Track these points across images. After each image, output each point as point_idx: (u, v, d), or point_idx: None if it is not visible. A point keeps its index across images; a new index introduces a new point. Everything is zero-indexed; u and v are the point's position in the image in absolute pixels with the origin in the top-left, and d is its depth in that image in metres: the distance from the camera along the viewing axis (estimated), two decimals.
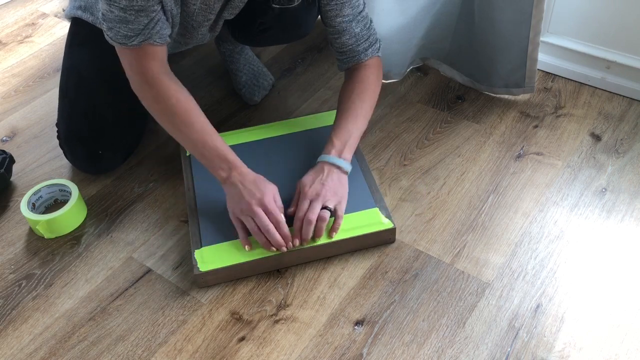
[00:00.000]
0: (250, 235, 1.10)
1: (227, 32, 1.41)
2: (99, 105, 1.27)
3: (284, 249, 1.08)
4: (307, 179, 1.13)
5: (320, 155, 1.16)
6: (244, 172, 1.11)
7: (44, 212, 1.26)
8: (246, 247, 1.09)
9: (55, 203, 1.28)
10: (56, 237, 1.22)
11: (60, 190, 1.27)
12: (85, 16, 1.29)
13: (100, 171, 1.33)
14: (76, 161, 1.32)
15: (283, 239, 1.07)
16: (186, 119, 1.11)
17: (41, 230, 1.19)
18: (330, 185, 1.11)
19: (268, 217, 1.07)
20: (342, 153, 1.15)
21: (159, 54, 1.09)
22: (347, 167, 1.15)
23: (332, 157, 1.14)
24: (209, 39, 1.31)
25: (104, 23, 1.06)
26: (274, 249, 1.08)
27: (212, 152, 1.11)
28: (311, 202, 1.10)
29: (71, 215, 1.21)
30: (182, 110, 1.10)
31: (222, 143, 1.12)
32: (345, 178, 1.15)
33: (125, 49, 1.08)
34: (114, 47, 1.31)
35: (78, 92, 1.28)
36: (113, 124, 1.27)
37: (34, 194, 1.24)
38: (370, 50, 1.22)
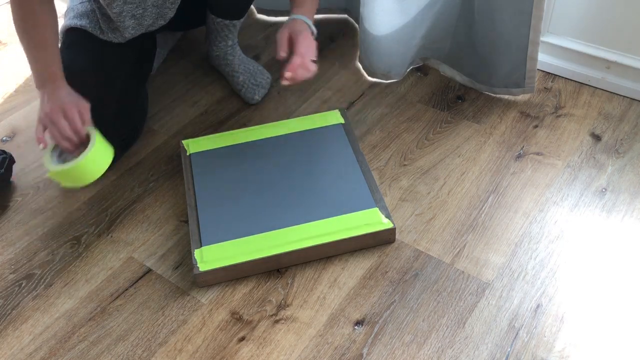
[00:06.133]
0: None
1: (212, 25, 1.41)
2: (91, 100, 1.26)
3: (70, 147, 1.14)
4: (302, 34, 1.21)
5: (294, 16, 1.24)
6: (60, 85, 1.16)
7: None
8: (41, 145, 1.13)
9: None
10: (87, 185, 1.21)
11: None
12: (80, 23, 1.32)
13: None
14: None
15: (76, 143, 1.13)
16: (35, 32, 1.16)
17: (69, 178, 1.13)
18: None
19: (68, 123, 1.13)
20: (312, 20, 1.26)
21: None
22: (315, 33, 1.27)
23: (309, 20, 1.25)
24: (170, 12, 1.31)
25: None
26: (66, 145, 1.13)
27: (41, 62, 1.16)
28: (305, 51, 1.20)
29: (97, 156, 1.14)
30: (38, 25, 1.16)
31: (57, 58, 1.18)
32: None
33: None
34: (107, 45, 1.33)
35: None
36: (106, 117, 1.26)
37: (54, 149, 1.18)
38: None
